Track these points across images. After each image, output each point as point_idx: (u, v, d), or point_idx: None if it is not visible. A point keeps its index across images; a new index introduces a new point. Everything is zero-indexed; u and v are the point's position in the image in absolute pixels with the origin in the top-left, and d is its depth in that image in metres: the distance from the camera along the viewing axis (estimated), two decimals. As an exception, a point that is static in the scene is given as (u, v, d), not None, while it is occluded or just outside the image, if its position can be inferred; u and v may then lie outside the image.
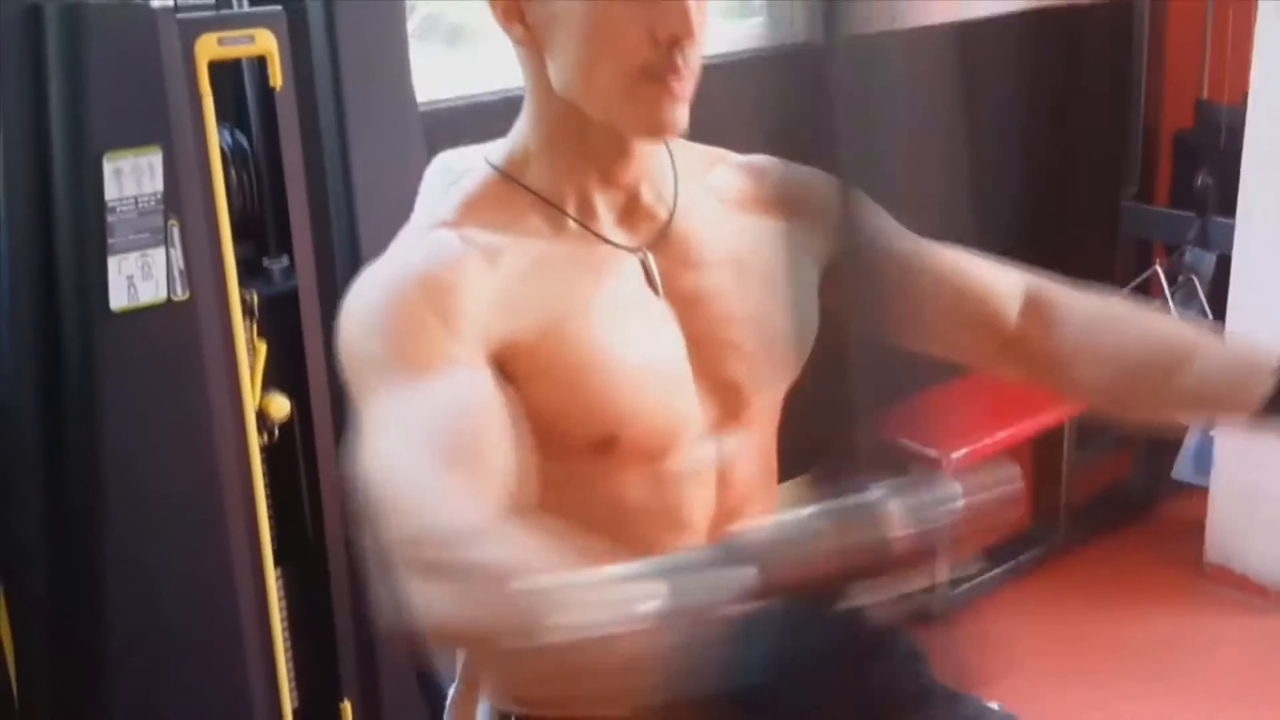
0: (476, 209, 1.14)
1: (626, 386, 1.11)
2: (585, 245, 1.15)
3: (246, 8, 1.92)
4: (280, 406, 1.99)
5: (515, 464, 0.99)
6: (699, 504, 1.18)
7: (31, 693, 1.90)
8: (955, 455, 2.67)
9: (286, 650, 2.07)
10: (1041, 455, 3.12)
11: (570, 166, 1.15)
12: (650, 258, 1.17)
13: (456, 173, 1.24)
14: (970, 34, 3.34)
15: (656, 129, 1.10)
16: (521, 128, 1.17)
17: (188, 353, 1.86)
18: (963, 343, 1.29)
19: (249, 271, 1.97)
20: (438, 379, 1.00)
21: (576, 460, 1.11)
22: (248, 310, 1.93)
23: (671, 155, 1.21)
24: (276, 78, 1.88)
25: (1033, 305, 1.26)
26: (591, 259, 1.14)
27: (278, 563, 2.02)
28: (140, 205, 1.78)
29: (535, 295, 1.10)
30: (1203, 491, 3.13)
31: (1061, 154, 3.59)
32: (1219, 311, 3.06)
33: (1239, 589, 2.97)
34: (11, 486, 1.85)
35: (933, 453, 2.67)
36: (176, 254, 1.82)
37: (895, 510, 0.81)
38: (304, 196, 1.95)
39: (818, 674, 1.24)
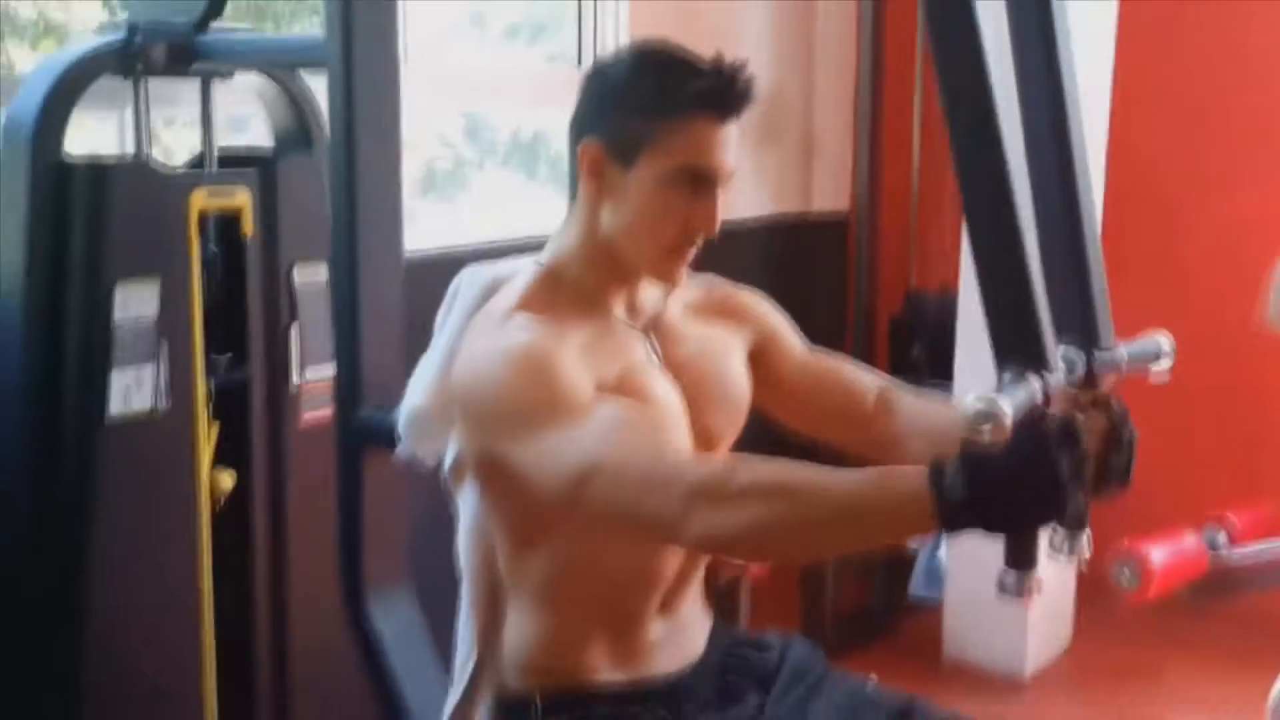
0: (532, 300, 1.55)
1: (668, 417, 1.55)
2: (613, 326, 1.59)
3: (217, 169, 2.32)
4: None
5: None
6: None
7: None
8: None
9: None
10: (809, 580, 3.68)
11: (602, 277, 1.59)
12: (653, 337, 1.63)
13: (489, 278, 1.66)
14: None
15: (670, 282, 1.59)
16: (568, 240, 1.60)
17: (167, 453, 2.20)
18: (830, 426, 1.79)
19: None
20: (595, 407, 1.43)
21: None
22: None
23: None
24: (248, 227, 2.28)
25: (880, 400, 1.76)
26: (621, 335, 1.59)
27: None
28: (139, 327, 2.13)
29: (594, 357, 1.52)
30: (934, 607, 3.77)
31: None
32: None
33: (975, 679, 3.57)
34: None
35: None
36: (164, 369, 2.16)
37: None
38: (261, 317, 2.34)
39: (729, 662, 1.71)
